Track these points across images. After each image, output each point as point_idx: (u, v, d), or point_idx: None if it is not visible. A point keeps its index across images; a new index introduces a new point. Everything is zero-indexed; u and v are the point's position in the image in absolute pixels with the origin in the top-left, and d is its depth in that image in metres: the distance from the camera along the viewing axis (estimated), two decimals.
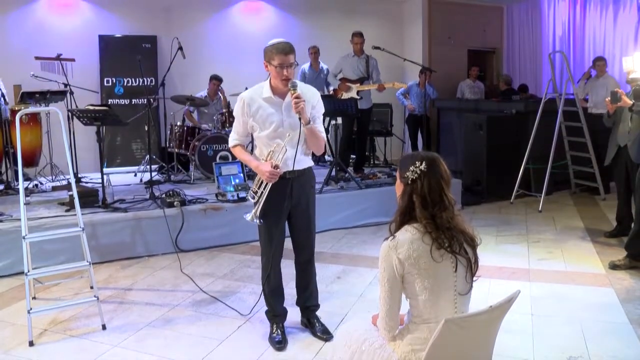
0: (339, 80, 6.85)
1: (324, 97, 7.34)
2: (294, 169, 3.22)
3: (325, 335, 3.48)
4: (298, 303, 3.62)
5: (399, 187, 2.19)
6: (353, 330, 2.35)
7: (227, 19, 8.58)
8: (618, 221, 5.44)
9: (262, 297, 3.54)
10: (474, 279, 2.11)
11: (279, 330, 3.46)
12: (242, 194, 5.58)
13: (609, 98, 4.79)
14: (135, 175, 7.08)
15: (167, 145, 6.86)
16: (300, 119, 3.09)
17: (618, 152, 5.08)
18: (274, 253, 3.38)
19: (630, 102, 4.62)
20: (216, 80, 7.30)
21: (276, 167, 3.14)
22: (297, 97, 3.07)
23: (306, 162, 3.36)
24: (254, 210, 3.22)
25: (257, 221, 3.22)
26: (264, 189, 3.20)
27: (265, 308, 3.57)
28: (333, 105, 6.25)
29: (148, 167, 6.97)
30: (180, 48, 6.37)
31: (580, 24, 10.94)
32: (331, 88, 7.15)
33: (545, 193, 6.71)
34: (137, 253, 5.08)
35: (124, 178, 6.95)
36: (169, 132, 6.82)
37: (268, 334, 3.48)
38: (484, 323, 2.00)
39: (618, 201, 5.41)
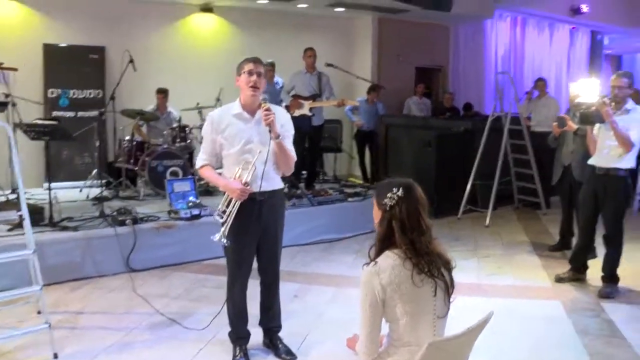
0: (291, 97, 6.87)
1: None
2: (264, 189, 3.20)
3: (289, 356, 3.47)
4: (261, 324, 3.59)
5: (377, 214, 2.22)
6: (329, 356, 2.36)
7: (178, 31, 8.44)
8: (561, 235, 5.71)
9: (222, 311, 3.49)
10: (451, 300, 2.16)
11: (242, 353, 3.42)
12: (195, 212, 5.49)
13: (556, 123, 5.06)
14: (81, 190, 6.82)
15: (115, 160, 6.65)
16: (270, 132, 3.10)
17: (563, 171, 5.35)
18: (242, 275, 3.34)
19: (575, 127, 4.89)
20: (162, 93, 7.16)
21: (246, 184, 3.11)
22: (267, 110, 3.09)
23: (276, 182, 3.34)
24: (222, 230, 3.15)
25: (225, 242, 3.16)
26: (232, 207, 3.15)
27: (227, 329, 3.52)
28: None
29: (94, 182, 6.79)
30: (132, 61, 6.23)
31: (520, 45, 11.49)
32: (283, 104, 7.17)
33: (496, 207, 6.95)
34: (87, 274, 4.88)
35: (68, 194, 6.68)
36: (117, 146, 6.62)
37: (231, 357, 3.43)
38: (461, 344, 2.06)
39: (562, 217, 5.68)
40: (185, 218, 5.40)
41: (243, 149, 3.18)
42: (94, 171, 6.85)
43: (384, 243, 2.15)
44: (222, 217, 3.18)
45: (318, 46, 7.11)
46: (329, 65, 6.77)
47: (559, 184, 5.51)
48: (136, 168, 6.60)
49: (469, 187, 7.15)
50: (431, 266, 2.09)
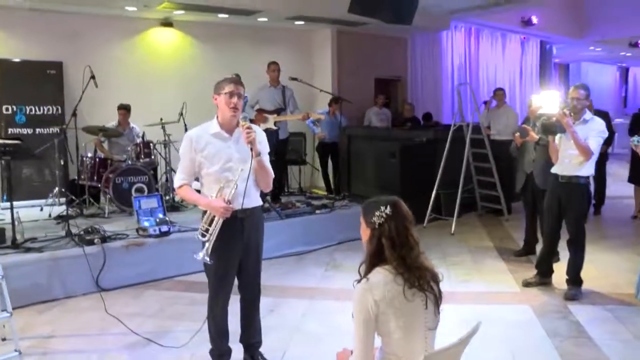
0: (255, 111, 6.87)
1: None
2: (246, 206, 3.21)
3: None
4: (242, 340, 3.58)
5: (365, 232, 2.27)
6: None
7: (138, 46, 8.31)
8: (525, 241, 5.91)
9: (203, 328, 3.47)
10: (440, 311, 2.23)
11: None
12: (164, 228, 5.42)
13: (519, 133, 5.25)
14: (42, 209, 6.63)
15: (78, 177, 6.50)
16: (251, 150, 3.11)
17: (526, 178, 5.55)
18: (225, 292, 3.34)
19: (536, 137, 5.10)
20: (124, 109, 7.05)
21: (228, 202, 3.12)
22: (248, 128, 3.11)
23: (256, 199, 3.36)
24: (205, 249, 3.14)
25: (208, 260, 3.15)
26: (215, 226, 3.14)
27: (205, 346, 3.50)
28: None
29: (55, 200, 6.61)
30: (93, 77, 6.11)
31: (475, 55, 11.83)
32: (247, 119, 7.17)
33: (459, 215, 7.12)
34: (54, 295, 4.74)
35: (28, 213, 6.47)
36: (79, 164, 6.46)
37: None
38: (453, 355, 2.12)
39: (526, 223, 5.88)
40: (155, 235, 5.33)
41: (223, 168, 3.19)
42: (55, 189, 6.67)
43: (374, 260, 2.20)
44: (204, 236, 3.17)
45: (279, 59, 7.17)
46: (293, 79, 6.82)
47: (523, 191, 5.71)
48: (99, 185, 6.47)
49: (433, 196, 7.30)
50: (421, 280, 2.15)
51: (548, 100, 4.52)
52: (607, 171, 8.08)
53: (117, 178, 6.23)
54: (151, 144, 6.80)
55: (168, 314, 4.47)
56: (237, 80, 3.22)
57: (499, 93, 8.18)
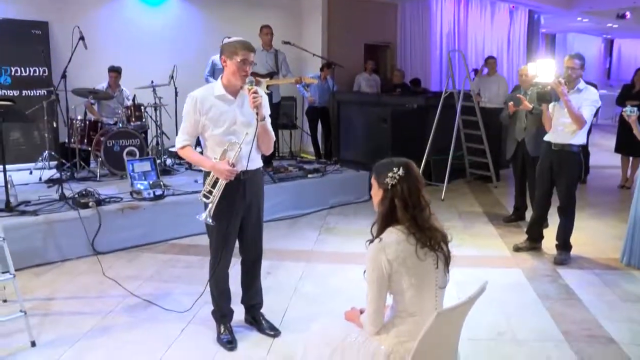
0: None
1: None
2: (248, 168, 3.24)
3: (273, 331, 3.55)
4: (243, 301, 3.64)
5: (376, 193, 2.30)
6: (329, 328, 2.45)
7: (126, 8, 8.11)
8: (515, 208, 6.03)
9: (199, 291, 3.55)
10: (449, 270, 2.30)
11: (227, 330, 3.46)
12: (158, 192, 5.41)
13: (512, 102, 5.31)
14: (31, 173, 6.55)
15: (68, 140, 6.42)
16: (257, 114, 3.11)
17: (516, 146, 5.63)
18: (227, 253, 3.38)
19: (530, 106, 5.17)
20: (114, 72, 6.93)
21: (232, 165, 3.13)
22: (255, 92, 3.10)
23: (258, 161, 3.38)
24: (207, 210, 3.16)
25: (211, 221, 3.17)
26: (218, 188, 3.15)
27: (206, 308, 3.57)
28: None
29: (45, 164, 6.53)
30: (82, 38, 5.98)
31: (464, 23, 11.79)
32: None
33: (450, 181, 7.21)
34: (50, 258, 4.73)
35: (17, 176, 6.37)
36: (68, 127, 6.37)
37: (215, 335, 3.47)
38: (462, 312, 2.20)
39: (515, 190, 6.00)
40: (149, 198, 5.32)
41: (228, 131, 3.18)
42: (45, 152, 6.58)
43: (387, 220, 2.25)
44: (207, 198, 3.19)
45: (270, 23, 7.07)
46: (286, 42, 6.76)
47: (513, 158, 5.80)
48: (90, 148, 6.41)
49: (424, 162, 7.37)
50: (432, 240, 2.22)
51: (543, 69, 4.56)
52: (590, 141, 8.21)
53: (108, 141, 6.17)
54: (142, 107, 6.71)
55: (165, 277, 4.51)
56: (250, 46, 3.15)
57: (490, 61, 8.21)
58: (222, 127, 3.18)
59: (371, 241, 2.26)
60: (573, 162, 4.67)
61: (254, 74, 6.61)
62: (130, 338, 3.49)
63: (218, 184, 3.15)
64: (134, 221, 5.14)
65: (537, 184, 4.93)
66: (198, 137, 3.32)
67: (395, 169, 2.22)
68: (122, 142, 6.27)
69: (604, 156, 9.30)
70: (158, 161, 6.32)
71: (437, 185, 7.46)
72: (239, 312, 3.63)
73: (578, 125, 4.52)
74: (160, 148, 6.98)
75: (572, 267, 4.73)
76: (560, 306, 3.97)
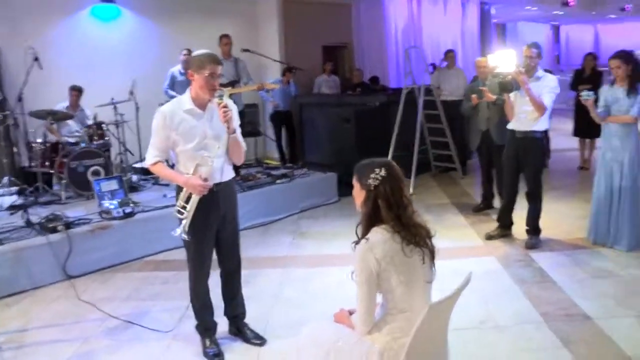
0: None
1: None
2: (221, 180, 3.24)
3: (259, 340, 3.54)
4: (226, 313, 3.62)
5: (359, 194, 2.33)
6: (320, 331, 2.46)
7: (79, 25, 7.89)
8: (483, 197, 6.15)
9: (178, 306, 3.56)
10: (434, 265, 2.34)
11: (213, 344, 3.44)
12: (128, 209, 5.32)
13: (475, 95, 5.44)
14: None
15: (29, 164, 6.23)
16: (228, 128, 3.10)
17: (481, 136, 5.75)
18: (206, 267, 3.36)
19: (493, 97, 5.29)
20: (76, 90, 6.77)
21: (205, 179, 3.11)
22: (224, 107, 3.08)
23: (230, 172, 3.38)
24: (182, 226, 3.13)
25: (186, 237, 3.15)
26: (192, 203, 3.13)
27: (187, 323, 3.54)
28: None
29: (6, 190, 6.32)
30: (37, 58, 5.83)
31: (418, 18, 11.97)
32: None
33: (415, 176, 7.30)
34: (21, 287, 4.57)
35: None
36: (28, 150, 6.19)
37: (201, 350, 3.44)
38: (450, 304, 2.25)
39: (482, 179, 6.12)
40: (119, 217, 5.21)
41: (199, 145, 3.16)
42: (5, 178, 6.38)
43: (371, 220, 2.28)
44: (181, 214, 3.15)
45: (226, 32, 7.03)
46: (245, 50, 6.74)
47: (478, 148, 5.92)
48: (52, 171, 6.24)
49: (389, 158, 7.44)
50: (417, 237, 2.26)
51: (504, 59, 4.68)
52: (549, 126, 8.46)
53: (72, 162, 6.01)
54: (104, 125, 6.58)
55: (143, 296, 4.43)
56: (217, 59, 3.13)
57: (450, 54, 8.33)
58: (192, 141, 3.16)
59: (357, 242, 2.30)
60: (537, 148, 4.81)
61: None
62: None
63: (192, 199, 3.13)
64: (105, 241, 5.04)
65: (504, 171, 5.05)
66: None
67: (377, 170, 2.26)
68: (86, 162, 6.11)
69: (562, 140, 9.57)
70: (125, 178, 6.19)
71: None
72: (222, 324, 3.60)
73: (540, 112, 4.65)
74: (124, 165, 6.86)
75: (543, 250, 4.87)
76: (536, 289, 4.09)
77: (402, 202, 2.27)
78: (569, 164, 8.29)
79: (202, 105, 3.18)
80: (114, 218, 5.20)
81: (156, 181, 6.79)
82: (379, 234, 2.23)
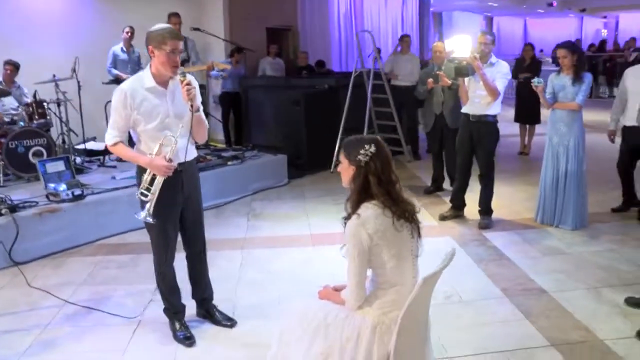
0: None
1: None
2: (185, 159, 3.15)
3: (229, 322, 3.51)
4: (194, 296, 3.56)
5: (347, 170, 2.34)
6: (306, 309, 2.47)
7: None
8: (434, 179, 6.33)
9: (138, 291, 3.56)
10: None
11: (182, 327, 3.38)
12: (77, 192, 5.08)
13: (431, 79, 5.58)
14: None
15: None
16: (191, 106, 3.01)
17: (435, 119, 5.90)
18: (171, 249, 3.28)
19: (449, 82, 5.42)
20: (11, 65, 6.35)
21: (170, 160, 3.02)
22: (188, 84, 2.99)
23: (193, 152, 3.31)
24: (147, 208, 3.03)
25: (151, 220, 3.05)
26: (156, 185, 3.03)
27: (152, 308, 3.52)
28: None
29: None
30: None
31: (359, 4, 12.05)
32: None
33: None
34: None
35: None
36: None
37: (171, 334, 3.37)
38: (436, 279, 2.32)
39: (433, 161, 6.29)
40: (68, 199, 4.98)
41: (161, 125, 3.06)
42: None
43: (361, 196, 2.31)
44: (145, 196, 3.05)
45: (172, 10, 6.82)
46: (195, 29, 6.57)
47: (431, 131, 6.07)
48: None
49: (338, 141, 7.50)
50: (406, 212, 2.31)
51: (460, 45, 4.81)
52: None
53: (10, 142, 5.67)
54: (45, 103, 6.21)
55: (99, 280, 4.27)
56: (178, 34, 3.03)
57: (406, 39, 8.35)
58: (155, 121, 3.05)
59: (347, 218, 2.32)
60: (491, 132, 5.00)
61: None
62: (79, 349, 3.29)
63: (156, 181, 3.03)
64: (54, 225, 4.80)
65: (458, 154, 5.21)
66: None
67: (367, 146, 2.28)
68: (27, 142, 5.78)
69: (503, 126, 9.92)
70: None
71: None
72: (189, 307, 3.53)
73: (493, 97, 4.83)
74: (66, 146, 6.53)
75: (495, 230, 5.08)
76: (494, 266, 4.28)
77: (391, 178, 2.31)
78: (510, 149, 8.64)
79: (163, 82, 3.07)
80: (63, 200, 4.97)
81: (101, 163, 6.52)
82: (370, 210, 2.26)
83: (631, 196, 5.44)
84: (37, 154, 5.79)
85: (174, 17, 6.56)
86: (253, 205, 6.21)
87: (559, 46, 4.92)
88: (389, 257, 2.26)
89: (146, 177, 3.06)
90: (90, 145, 7.07)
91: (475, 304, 3.69)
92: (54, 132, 6.57)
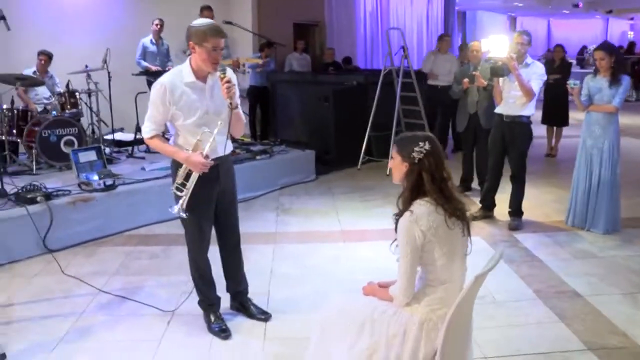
0: (188, 56, 6.55)
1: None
2: (221, 154, 3.16)
3: (263, 315, 3.52)
4: (229, 289, 3.57)
5: (399, 167, 2.34)
6: (350, 305, 2.47)
7: None
8: (463, 179, 6.28)
9: (174, 282, 3.58)
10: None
11: (218, 319, 3.39)
12: (109, 181, 5.13)
13: (467, 79, 5.56)
14: None
15: None
16: (230, 103, 3.00)
17: (469, 119, 5.86)
18: (206, 242, 3.31)
19: (484, 82, 5.39)
20: (45, 55, 6.43)
21: (206, 156, 3.01)
22: (228, 82, 2.97)
23: (230, 146, 3.30)
24: (180, 202, 3.04)
25: (184, 215, 3.06)
26: (191, 181, 3.03)
27: (190, 300, 3.51)
28: None
29: None
30: (3, 17, 5.46)
31: (385, 2, 12.01)
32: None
33: (388, 157, 7.34)
34: None
35: None
36: None
37: (205, 326, 3.39)
38: (484, 278, 2.31)
39: (464, 162, 6.24)
40: (100, 189, 5.03)
41: (200, 121, 3.05)
42: None
43: (414, 193, 2.31)
44: (180, 191, 3.06)
45: (199, 3, 6.83)
46: (227, 22, 6.57)
47: (465, 131, 6.02)
48: (20, 140, 5.94)
49: (366, 139, 7.49)
50: (458, 210, 2.31)
51: (496, 45, 4.77)
52: None
53: (43, 131, 5.73)
54: (77, 93, 6.28)
55: (132, 271, 4.31)
56: (221, 31, 3.00)
57: (446, 39, 8.17)
58: (193, 116, 3.05)
59: (398, 215, 2.32)
60: (524, 132, 4.95)
61: None
62: (114, 337, 3.33)
63: (192, 176, 3.03)
64: (87, 214, 4.85)
65: (490, 154, 5.17)
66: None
67: (421, 143, 2.28)
68: (59, 131, 5.85)
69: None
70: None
71: (379, 161, 7.62)
72: (223, 300, 3.54)
73: (528, 98, 4.78)
74: (95, 137, 6.60)
75: (525, 231, 5.04)
76: (526, 268, 4.24)
77: (444, 176, 2.31)
78: (537, 151, 8.50)
79: (202, 77, 3.06)
80: (95, 190, 5.02)
81: (130, 154, 6.58)
82: (423, 207, 2.26)
83: None
84: (69, 143, 5.86)
85: (206, 10, 6.58)
86: (281, 200, 6.22)
87: (597, 48, 4.86)
88: (440, 254, 2.26)
89: (181, 172, 3.07)
90: (119, 135, 7.14)
91: (509, 305, 3.66)
92: (84, 122, 6.64)
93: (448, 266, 2.29)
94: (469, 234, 2.37)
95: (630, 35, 22.95)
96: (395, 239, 2.39)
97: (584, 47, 17.74)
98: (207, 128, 3.05)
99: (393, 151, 2.39)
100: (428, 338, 2.26)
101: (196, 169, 3.01)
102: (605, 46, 4.86)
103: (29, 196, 4.61)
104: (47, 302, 3.78)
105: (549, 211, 5.62)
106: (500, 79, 4.93)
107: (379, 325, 2.32)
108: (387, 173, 7.15)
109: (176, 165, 3.13)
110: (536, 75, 4.82)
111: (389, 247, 2.38)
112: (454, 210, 2.28)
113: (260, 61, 6.85)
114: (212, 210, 3.28)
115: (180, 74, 3.07)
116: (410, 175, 2.30)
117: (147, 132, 3.11)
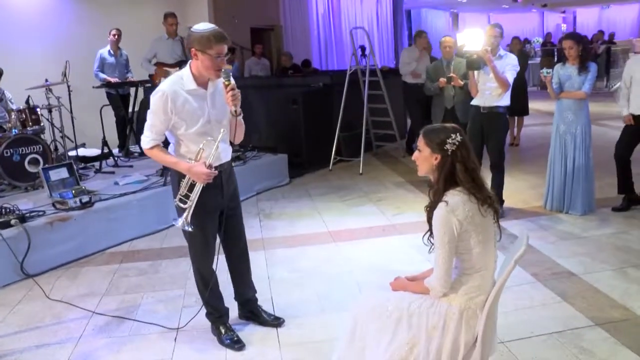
0: (154, 64, 6.40)
1: (131, 83, 6.82)
2: (224, 161, 3.09)
3: (276, 321, 3.45)
4: (237, 298, 3.48)
5: (428, 159, 2.34)
6: (383, 301, 2.44)
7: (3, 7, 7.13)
8: None
9: (173, 296, 3.50)
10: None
11: (229, 330, 3.29)
12: (85, 199, 4.91)
13: (444, 79, 5.65)
14: None
15: None
16: (235, 111, 2.92)
17: (445, 113, 5.94)
18: (211, 253, 3.21)
19: (461, 83, 5.51)
20: None
21: (210, 166, 2.91)
22: (232, 89, 2.88)
23: (230, 151, 3.22)
24: (185, 215, 2.91)
25: (189, 228, 2.94)
26: (195, 192, 2.92)
27: (189, 313, 3.44)
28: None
29: None
30: None
31: (337, 4, 12.08)
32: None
33: (358, 156, 7.37)
34: None
35: None
36: None
37: (214, 340, 3.28)
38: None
39: None
40: (77, 207, 4.80)
41: (202, 129, 2.95)
42: None
43: (447, 184, 2.31)
44: (184, 203, 2.94)
45: (157, 10, 6.68)
46: (190, 28, 6.42)
47: None
48: None
49: (336, 139, 7.49)
50: (489, 198, 2.33)
51: (471, 38, 4.86)
52: None
53: (5, 151, 5.43)
54: (38, 109, 5.98)
55: (123, 289, 4.12)
56: (224, 37, 2.86)
57: (424, 35, 8.18)
58: (196, 125, 2.94)
59: (431, 206, 2.32)
60: (501, 123, 5.07)
61: (160, 64, 6.39)
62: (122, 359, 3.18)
63: (195, 187, 2.92)
64: (65, 234, 4.62)
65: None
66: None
67: (453, 135, 2.29)
68: (22, 149, 5.55)
69: None
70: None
71: (349, 161, 7.65)
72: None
73: (503, 89, 4.90)
74: (58, 154, 6.30)
75: (509, 218, 5.15)
76: None
77: (474, 166, 2.33)
78: None
79: (203, 83, 2.95)
80: (72, 208, 4.79)
81: (98, 169, 6.33)
82: (457, 196, 2.27)
83: (629, 190, 5.29)
84: (34, 162, 5.58)
85: (170, 17, 6.42)
86: (260, 205, 6.13)
87: (566, 37, 5.03)
88: (476, 242, 2.27)
89: (184, 183, 2.95)
90: (82, 151, 6.86)
91: (512, 289, 3.71)
92: (47, 139, 6.33)
93: (483, 254, 2.30)
94: (498, 221, 2.39)
95: (564, 27, 24.00)
96: (428, 231, 2.39)
97: (526, 40, 18.42)
98: (209, 136, 2.95)
99: (420, 143, 2.38)
100: (468, 326, 2.27)
101: (200, 180, 2.90)
102: (573, 35, 5.04)
103: (1, 220, 4.34)
104: (38, 330, 3.56)
105: (526, 197, 5.78)
106: (475, 72, 5.03)
107: (417, 318, 2.31)
108: (360, 172, 7.19)
109: (178, 176, 3.01)
110: (510, 66, 4.95)
111: (422, 239, 2.38)
112: (485, 198, 2.30)
113: (230, 66, 6.71)
114: (217, 220, 3.18)
115: (181, 81, 2.93)
116: (443, 166, 2.31)
117: (146, 142, 2.98)
